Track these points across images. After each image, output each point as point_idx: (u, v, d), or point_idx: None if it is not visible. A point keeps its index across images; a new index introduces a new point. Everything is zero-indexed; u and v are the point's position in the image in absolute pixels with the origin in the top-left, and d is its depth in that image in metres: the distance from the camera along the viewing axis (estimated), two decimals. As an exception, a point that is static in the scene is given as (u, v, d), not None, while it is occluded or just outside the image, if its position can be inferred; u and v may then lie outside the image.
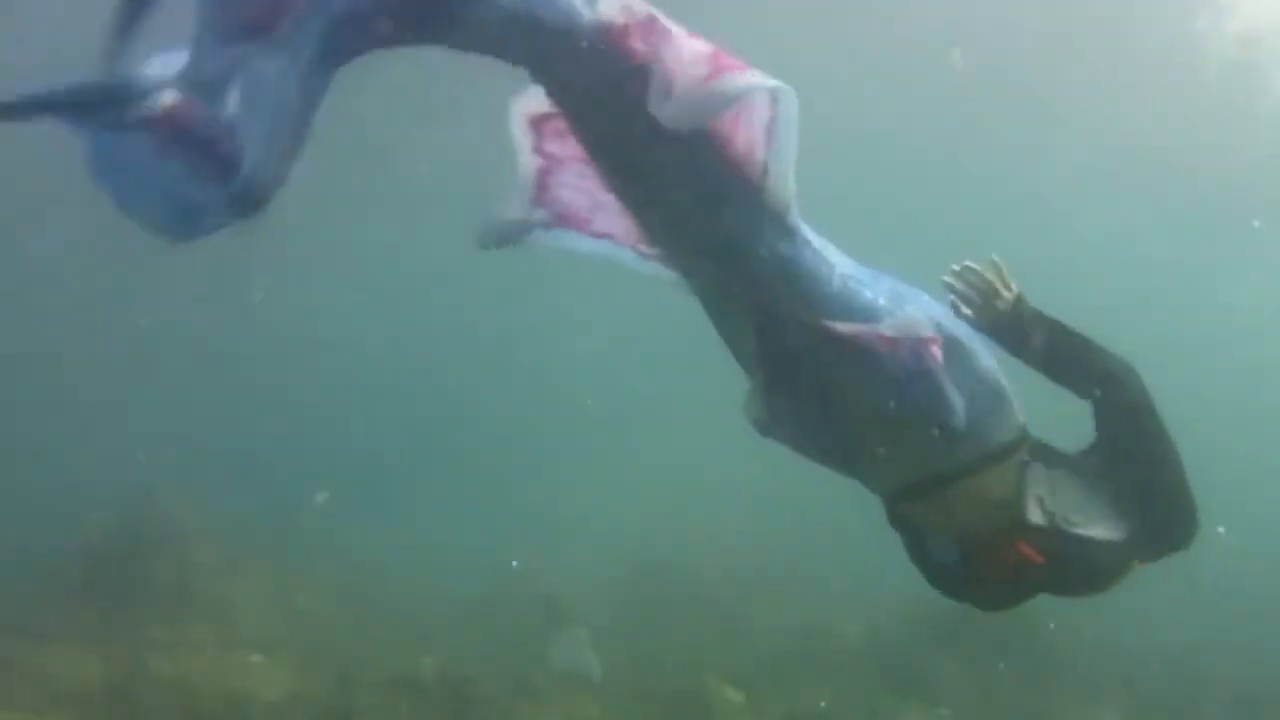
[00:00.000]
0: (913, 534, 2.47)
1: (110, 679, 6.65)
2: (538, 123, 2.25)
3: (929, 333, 2.22)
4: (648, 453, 19.74)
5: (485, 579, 11.75)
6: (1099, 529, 2.31)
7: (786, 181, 2.14)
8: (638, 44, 2.01)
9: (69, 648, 6.88)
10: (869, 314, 2.21)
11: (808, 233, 2.23)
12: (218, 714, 6.32)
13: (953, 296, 2.36)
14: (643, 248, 2.33)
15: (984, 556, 2.35)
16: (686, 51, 2.02)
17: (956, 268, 2.36)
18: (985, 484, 2.30)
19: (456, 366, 20.53)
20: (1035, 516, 2.29)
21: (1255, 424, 19.39)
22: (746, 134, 2.12)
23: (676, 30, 2.03)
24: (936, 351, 2.20)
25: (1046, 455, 2.38)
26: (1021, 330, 2.32)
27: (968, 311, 2.33)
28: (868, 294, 2.24)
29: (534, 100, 2.21)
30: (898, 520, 2.48)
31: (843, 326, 2.17)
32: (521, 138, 2.28)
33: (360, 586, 10.57)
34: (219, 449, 16.02)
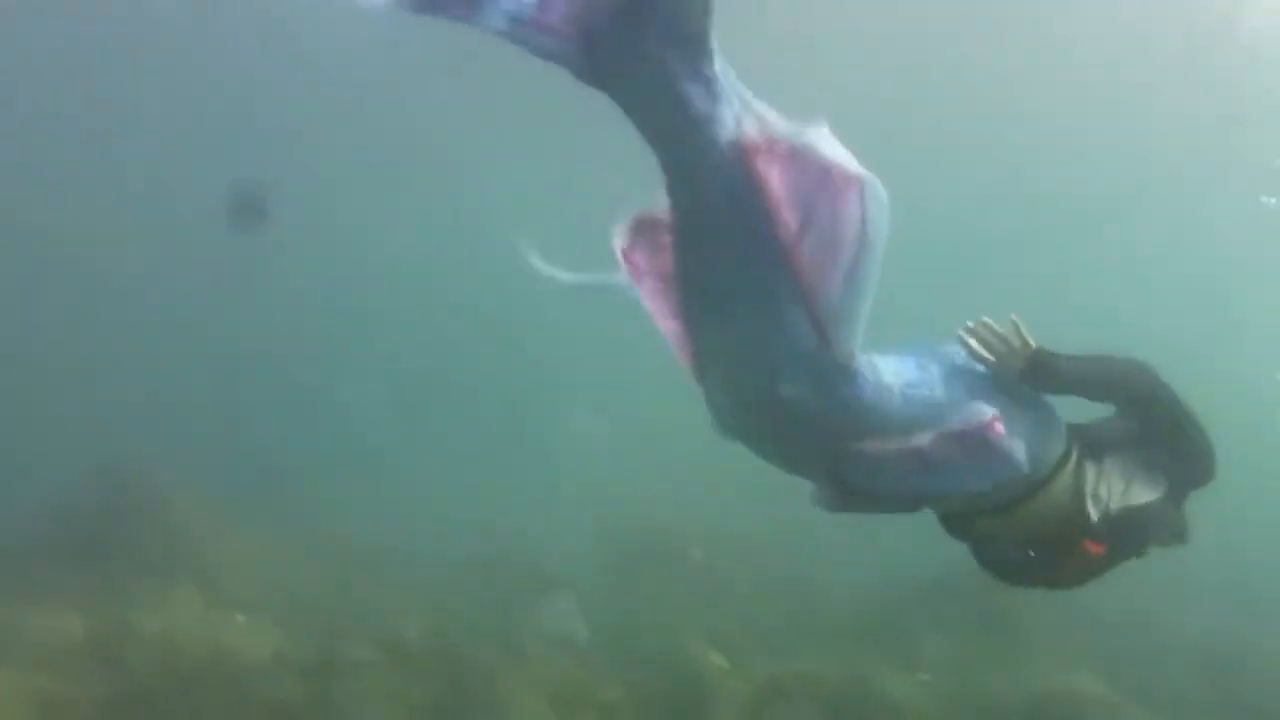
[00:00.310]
0: (977, 542, 2.63)
1: (94, 637, 6.65)
2: (639, 228, 2.30)
3: (989, 414, 2.31)
4: (634, 415, 19.75)
5: (471, 542, 11.77)
6: (1143, 496, 2.49)
7: (855, 332, 2.15)
8: (759, 164, 2.02)
9: (52, 607, 6.86)
10: (931, 416, 2.29)
11: (863, 364, 2.24)
12: (202, 672, 6.32)
13: (967, 352, 2.44)
14: (688, 367, 2.37)
15: (1054, 555, 2.53)
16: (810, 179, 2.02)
17: (970, 325, 2.44)
18: (1049, 495, 2.45)
19: (443, 328, 20.46)
20: (1094, 513, 2.45)
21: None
22: (825, 274, 2.09)
23: (798, 144, 2.02)
24: (999, 427, 2.31)
25: (1086, 445, 2.51)
26: (1044, 378, 2.42)
27: (988, 359, 2.42)
28: (925, 393, 2.31)
29: (648, 209, 2.25)
30: (958, 531, 2.62)
31: (911, 444, 2.26)
32: (620, 236, 2.32)
33: (346, 548, 10.56)
34: (203, 410, 15.94)
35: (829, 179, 2.03)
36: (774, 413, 2.25)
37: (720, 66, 2.00)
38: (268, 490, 11.94)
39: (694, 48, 1.96)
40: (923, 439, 2.26)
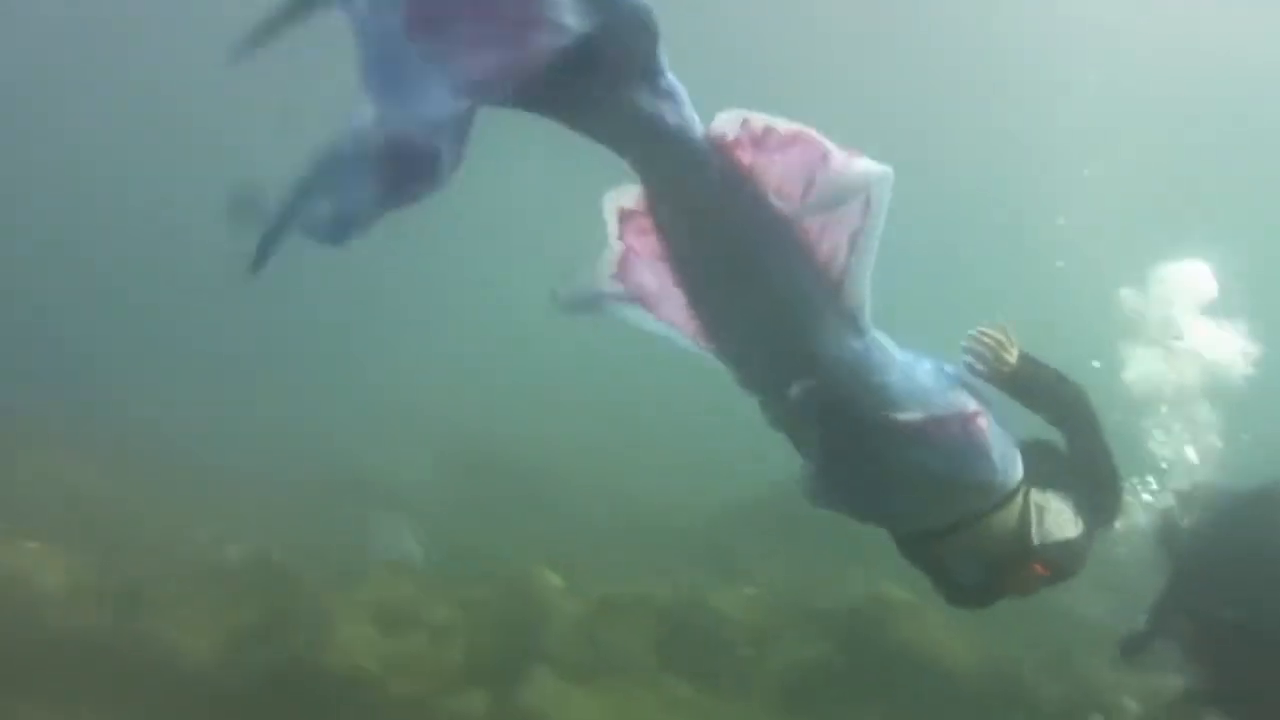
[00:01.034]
0: (932, 565, 2.77)
1: None
2: (626, 216, 2.39)
3: (974, 407, 2.50)
4: (481, 337, 19.40)
5: (304, 463, 11.33)
6: (1076, 528, 2.70)
7: (864, 285, 2.28)
8: (746, 156, 2.14)
9: None
10: (924, 396, 2.43)
11: (871, 330, 2.37)
12: (-8, 602, 5.81)
13: (968, 357, 2.63)
14: (701, 340, 2.45)
15: (1003, 577, 2.69)
16: (797, 157, 2.15)
17: (974, 331, 2.65)
18: (1002, 519, 2.60)
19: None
20: (1038, 539, 2.62)
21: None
22: (831, 239, 2.23)
23: (790, 131, 2.15)
24: (983, 423, 2.50)
25: (1031, 474, 2.68)
26: (1024, 385, 2.63)
27: (980, 369, 2.62)
28: (920, 378, 2.45)
29: (627, 196, 2.36)
30: (916, 556, 2.77)
31: (904, 417, 2.38)
32: (611, 223, 2.41)
33: (164, 468, 9.92)
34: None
35: (830, 156, 2.16)
36: (785, 364, 2.36)
37: (671, 74, 2.06)
38: (75, 408, 11.02)
39: (648, 70, 2.01)
40: (914, 415, 2.39)
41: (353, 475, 11.07)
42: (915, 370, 2.45)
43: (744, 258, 2.21)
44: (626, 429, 14.35)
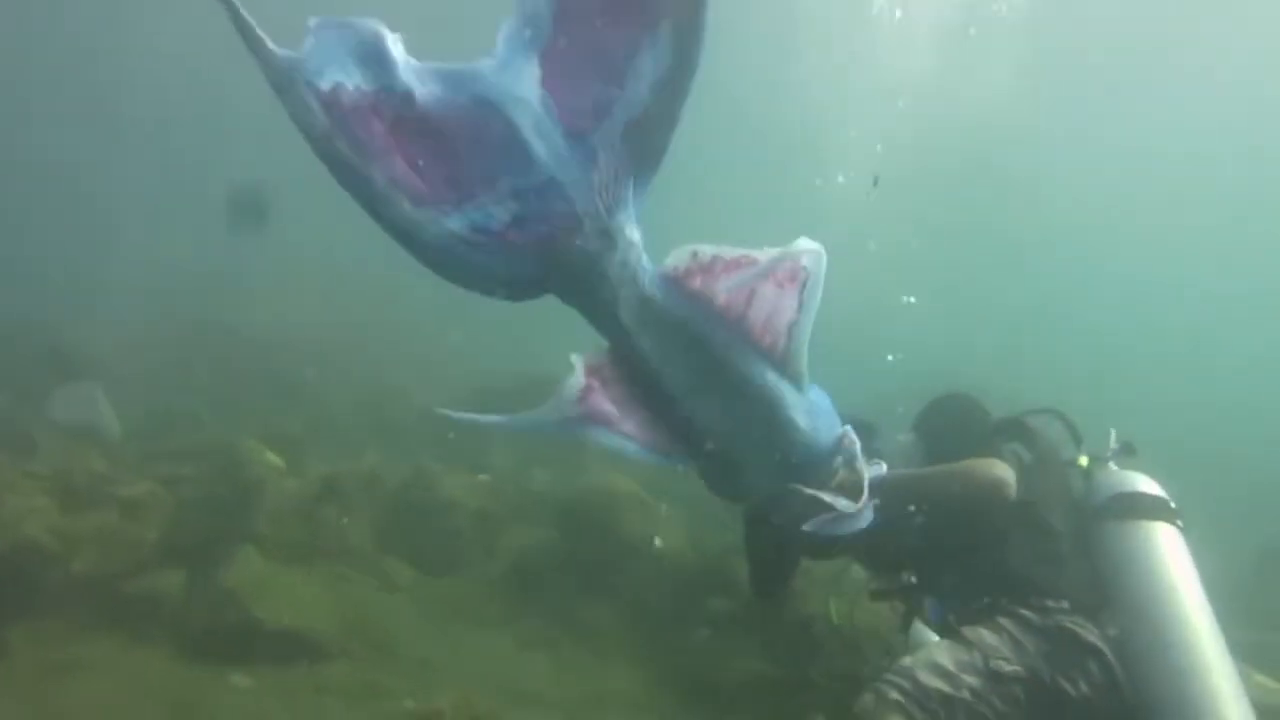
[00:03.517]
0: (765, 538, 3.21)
1: None
2: (591, 365, 2.64)
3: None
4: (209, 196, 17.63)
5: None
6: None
7: (804, 353, 2.64)
8: (696, 282, 2.49)
9: None
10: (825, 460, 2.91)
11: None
12: None
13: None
14: (665, 448, 2.72)
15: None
16: (739, 274, 2.49)
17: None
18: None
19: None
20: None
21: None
22: (774, 328, 2.57)
23: (733, 256, 2.49)
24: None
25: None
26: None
27: None
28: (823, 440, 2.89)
29: (595, 356, 2.64)
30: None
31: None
32: (579, 369, 2.64)
33: None
34: None
35: (767, 269, 2.48)
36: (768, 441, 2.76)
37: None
38: None
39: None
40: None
41: (50, 344, 9.85)
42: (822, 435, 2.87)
43: (709, 370, 2.56)
44: (375, 312, 13.74)
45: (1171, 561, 2.98)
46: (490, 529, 6.72)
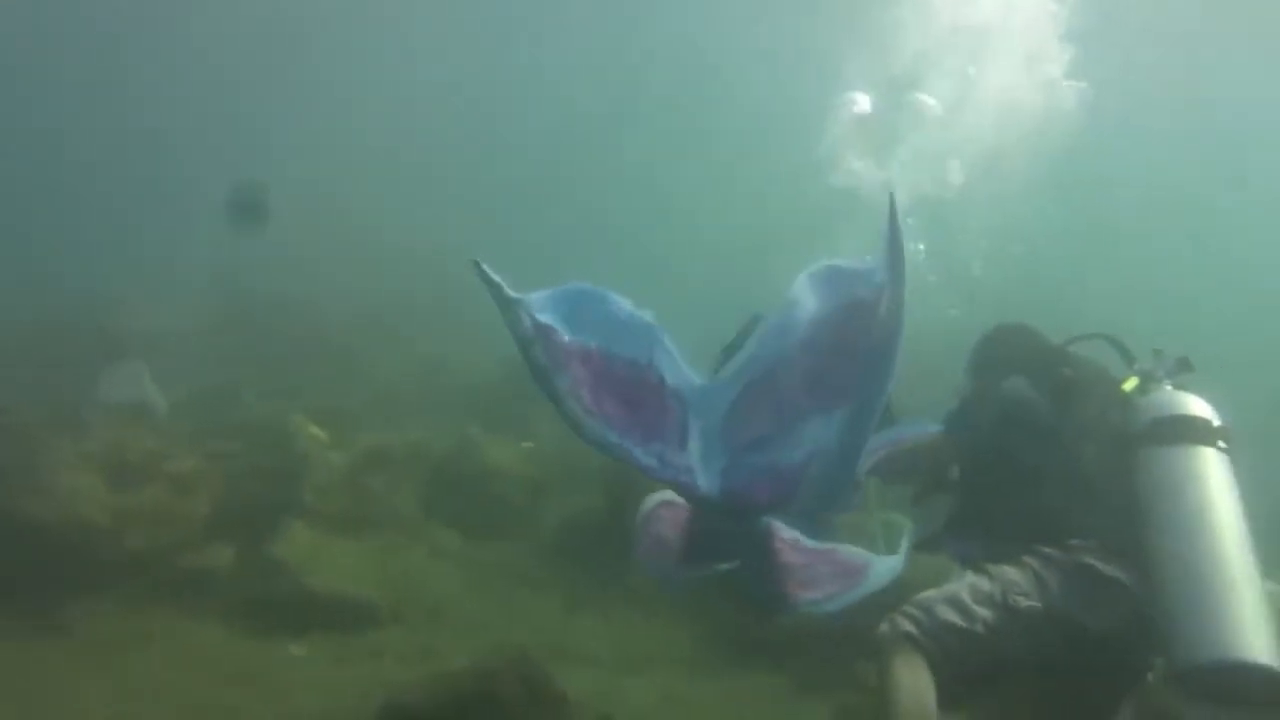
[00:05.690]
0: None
1: None
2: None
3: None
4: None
5: (40, 303, 10.16)
6: None
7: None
8: (781, 547, 2.66)
9: None
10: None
11: None
12: None
13: None
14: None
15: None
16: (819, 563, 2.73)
17: None
18: None
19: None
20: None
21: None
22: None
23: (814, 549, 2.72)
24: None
25: None
26: None
27: None
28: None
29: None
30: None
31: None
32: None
33: None
34: None
35: (839, 571, 2.71)
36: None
37: None
38: None
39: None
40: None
41: (98, 324, 10.00)
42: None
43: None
44: (420, 283, 13.73)
45: (1204, 483, 2.86)
46: (536, 496, 6.69)
